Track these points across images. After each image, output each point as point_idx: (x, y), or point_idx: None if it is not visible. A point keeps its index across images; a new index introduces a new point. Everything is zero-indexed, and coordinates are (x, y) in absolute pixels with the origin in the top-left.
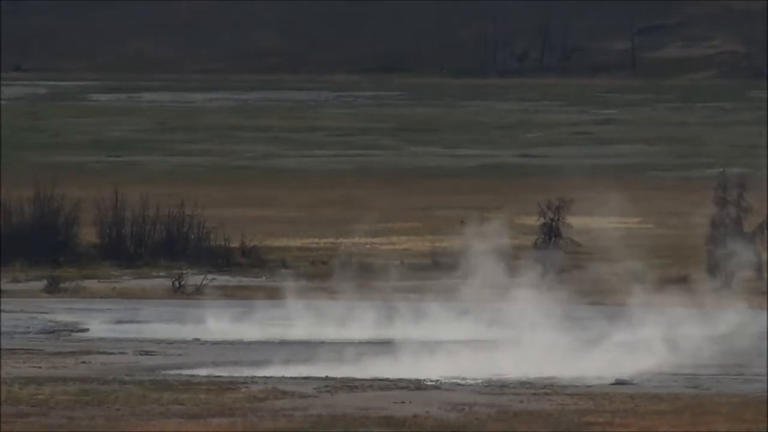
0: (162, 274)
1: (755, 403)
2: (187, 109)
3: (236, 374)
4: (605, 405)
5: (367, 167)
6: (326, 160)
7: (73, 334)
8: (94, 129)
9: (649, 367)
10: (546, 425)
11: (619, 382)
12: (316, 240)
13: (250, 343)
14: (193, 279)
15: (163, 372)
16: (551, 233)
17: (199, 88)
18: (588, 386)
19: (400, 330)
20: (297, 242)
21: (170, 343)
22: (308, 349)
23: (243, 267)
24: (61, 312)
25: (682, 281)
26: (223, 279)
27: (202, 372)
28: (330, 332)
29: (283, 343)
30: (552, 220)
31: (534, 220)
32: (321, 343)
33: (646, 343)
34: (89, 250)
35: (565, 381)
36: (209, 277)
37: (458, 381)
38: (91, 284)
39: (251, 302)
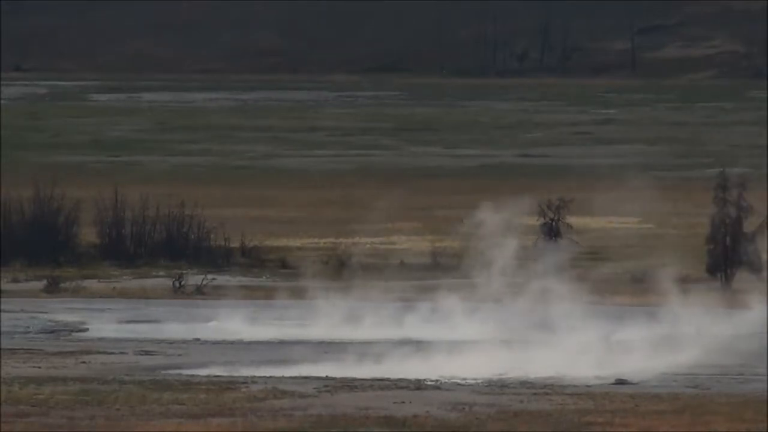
0: (162, 274)
1: (755, 403)
2: (187, 109)
3: (236, 374)
4: (605, 405)
5: (367, 167)
6: (326, 160)
7: (73, 334)
8: (94, 129)
9: (649, 367)
10: (546, 425)
11: (620, 382)
12: (316, 240)
13: (250, 343)
14: (193, 279)
15: (163, 372)
16: (551, 233)
17: (199, 88)
18: (588, 386)
19: (402, 330)
20: (297, 242)
21: (170, 343)
22: (308, 348)
23: (243, 267)
24: (61, 312)
25: (682, 281)
26: (223, 279)
27: (202, 372)
28: (330, 332)
29: (283, 343)
30: (552, 220)
31: (534, 220)
32: (320, 343)
33: (646, 342)
34: (89, 250)
35: (565, 381)
36: (209, 277)
37: (458, 381)
38: (91, 284)
39: (251, 302)
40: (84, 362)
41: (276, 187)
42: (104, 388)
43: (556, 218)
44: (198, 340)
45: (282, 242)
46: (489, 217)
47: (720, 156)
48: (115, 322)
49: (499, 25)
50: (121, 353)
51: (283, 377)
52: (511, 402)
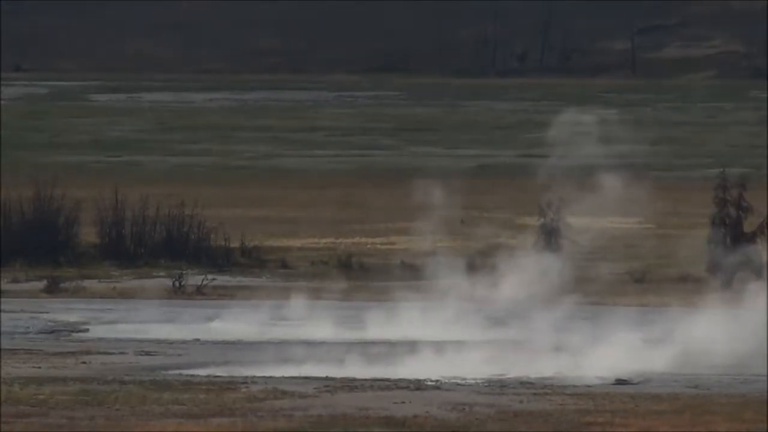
0: (162, 274)
1: (755, 403)
2: (187, 109)
3: (236, 374)
4: (605, 405)
5: (367, 167)
6: (326, 160)
7: (73, 334)
8: (94, 129)
9: (650, 368)
10: (546, 425)
11: (620, 382)
12: (316, 240)
13: (250, 343)
14: (193, 279)
15: (163, 372)
16: (551, 233)
17: (199, 88)
18: (588, 386)
19: (402, 330)
20: (297, 242)
21: (170, 343)
22: (308, 349)
23: (243, 267)
24: (61, 312)
25: (682, 281)
26: (223, 279)
27: (202, 372)
28: (330, 332)
29: (284, 343)
30: (552, 220)
31: (534, 220)
32: (321, 343)
33: (646, 343)
34: (89, 250)
35: (565, 381)
36: (209, 277)
37: (458, 381)
38: (91, 284)
39: (251, 302)
40: (84, 362)
41: (276, 187)
42: (104, 388)
43: (556, 218)
44: (198, 340)
45: (282, 242)
46: (488, 216)
47: (720, 156)
48: (115, 322)
49: (499, 25)
50: (121, 353)
51: (283, 377)
52: (511, 402)
